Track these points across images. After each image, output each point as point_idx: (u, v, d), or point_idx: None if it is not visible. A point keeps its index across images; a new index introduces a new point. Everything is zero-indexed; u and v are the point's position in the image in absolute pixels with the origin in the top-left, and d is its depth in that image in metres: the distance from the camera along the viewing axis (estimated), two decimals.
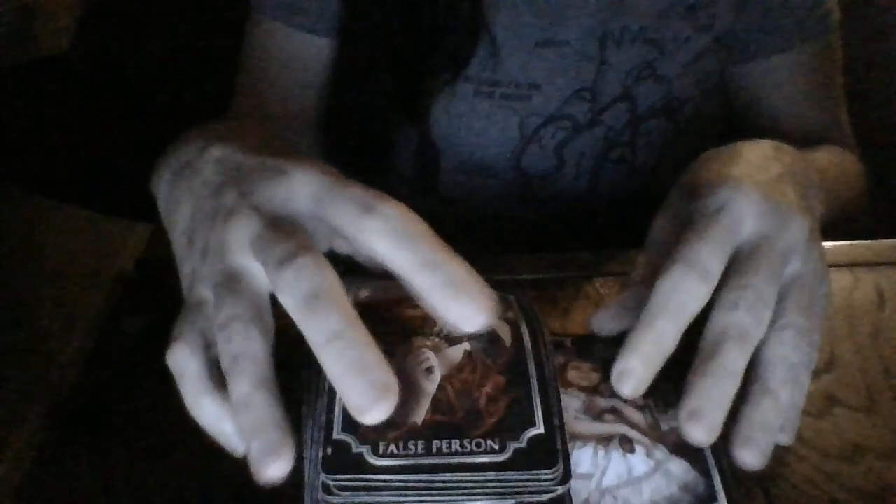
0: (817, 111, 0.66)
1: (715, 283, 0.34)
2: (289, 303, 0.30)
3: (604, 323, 0.39)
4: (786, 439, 0.36)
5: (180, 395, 0.34)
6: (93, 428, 0.42)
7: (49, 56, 1.36)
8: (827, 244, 0.50)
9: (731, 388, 0.32)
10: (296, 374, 0.38)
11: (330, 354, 0.28)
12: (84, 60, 1.19)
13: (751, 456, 0.32)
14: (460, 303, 0.29)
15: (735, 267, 0.35)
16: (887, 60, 0.90)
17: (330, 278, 0.30)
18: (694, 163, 0.41)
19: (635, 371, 0.32)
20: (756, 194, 0.37)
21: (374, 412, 0.28)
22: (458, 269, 0.29)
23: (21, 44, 1.38)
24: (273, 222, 0.32)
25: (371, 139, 0.66)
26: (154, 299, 0.45)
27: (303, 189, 0.32)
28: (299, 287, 0.29)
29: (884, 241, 0.50)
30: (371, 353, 0.29)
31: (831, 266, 0.48)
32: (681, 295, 0.33)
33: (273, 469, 0.29)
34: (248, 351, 0.31)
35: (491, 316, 0.29)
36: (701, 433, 0.31)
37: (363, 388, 0.28)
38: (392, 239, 0.30)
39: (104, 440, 0.41)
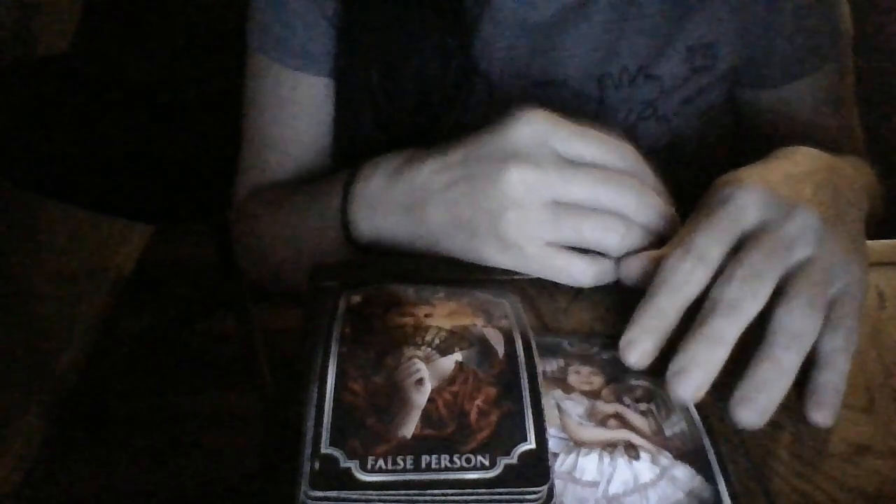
0: (837, 126, 0.66)
1: (713, 267, 0.37)
2: None
3: (629, 270, 0.42)
4: (821, 418, 0.36)
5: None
6: (93, 428, 0.42)
7: (49, 56, 1.36)
8: None
9: (717, 352, 0.35)
10: (295, 376, 0.38)
11: None
12: (84, 60, 1.19)
13: (746, 413, 0.34)
14: None
15: (737, 251, 0.38)
16: (888, 60, 0.90)
17: None
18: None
19: (638, 340, 0.36)
20: (760, 188, 0.39)
21: None
22: None
23: (21, 44, 1.39)
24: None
25: None
26: (154, 299, 0.45)
27: None
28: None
29: (884, 241, 0.50)
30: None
31: None
32: (678, 275, 0.37)
33: None
34: None
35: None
36: (683, 388, 0.34)
37: None
38: None
39: (104, 440, 0.41)
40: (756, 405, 0.35)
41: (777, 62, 0.61)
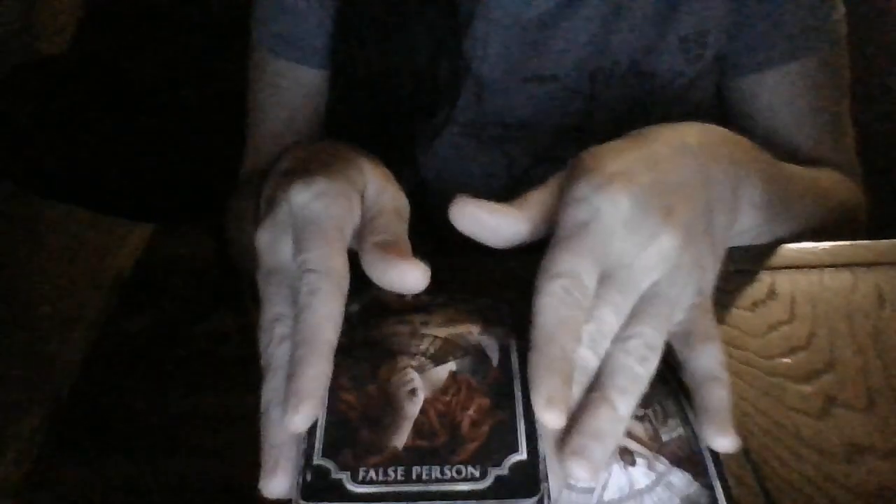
0: (816, 132, 0.62)
1: (591, 292, 0.33)
2: None
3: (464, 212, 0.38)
4: (728, 443, 0.32)
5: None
6: (93, 429, 0.42)
7: (49, 56, 1.36)
8: (827, 244, 0.50)
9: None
10: None
11: None
12: (84, 60, 1.19)
13: (579, 467, 0.30)
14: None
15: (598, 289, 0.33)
16: (886, 59, 0.90)
17: None
18: (597, 147, 0.39)
19: (555, 397, 0.30)
20: (625, 206, 0.34)
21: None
22: None
23: (21, 44, 1.38)
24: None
25: None
26: (154, 299, 0.45)
27: None
28: None
29: (884, 241, 0.50)
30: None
31: (831, 266, 0.48)
32: (564, 310, 0.32)
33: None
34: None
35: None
36: (547, 419, 0.30)
37: None
38: None
39: (104, 441, 0.41)
40: (592, 457, 0.30)
41: (757, 47, 0.60)
